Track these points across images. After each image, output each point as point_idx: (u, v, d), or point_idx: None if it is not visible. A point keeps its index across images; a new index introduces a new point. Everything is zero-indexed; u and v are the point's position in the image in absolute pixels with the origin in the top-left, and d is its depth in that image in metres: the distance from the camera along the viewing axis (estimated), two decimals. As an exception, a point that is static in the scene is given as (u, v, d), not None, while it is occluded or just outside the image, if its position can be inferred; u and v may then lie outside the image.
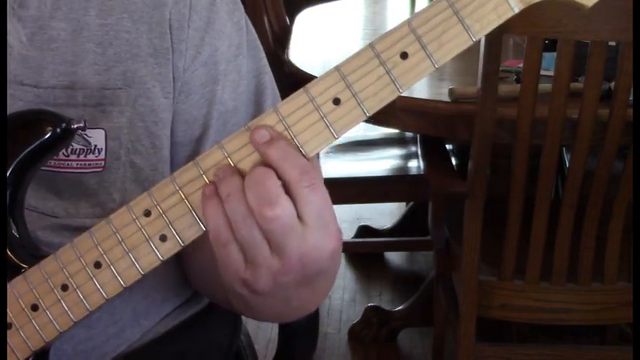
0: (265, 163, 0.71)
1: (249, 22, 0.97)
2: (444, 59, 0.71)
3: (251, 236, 0.70)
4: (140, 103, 0.89)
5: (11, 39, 0.86)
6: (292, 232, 0.70)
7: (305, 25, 2.63)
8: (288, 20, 2.72)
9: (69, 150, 0.87)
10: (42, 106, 0.86)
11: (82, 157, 0.87)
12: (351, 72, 0.71)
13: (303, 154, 0.72)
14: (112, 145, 0.88)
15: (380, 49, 0.71)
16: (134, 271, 0.76)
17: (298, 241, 0.71)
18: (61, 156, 0.87)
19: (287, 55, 2.19)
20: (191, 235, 0.75)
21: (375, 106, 0.72)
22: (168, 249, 0.75)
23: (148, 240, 0.75)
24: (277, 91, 0.98)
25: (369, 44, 0.71)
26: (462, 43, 0.71)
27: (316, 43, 2.51)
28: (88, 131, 0.86)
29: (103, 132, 0.87)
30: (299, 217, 0.70)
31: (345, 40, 2.52)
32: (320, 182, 0.71)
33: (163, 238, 0.75)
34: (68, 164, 0.87)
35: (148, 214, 0.74)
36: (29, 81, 0.86)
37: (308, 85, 0.72)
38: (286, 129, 0.72)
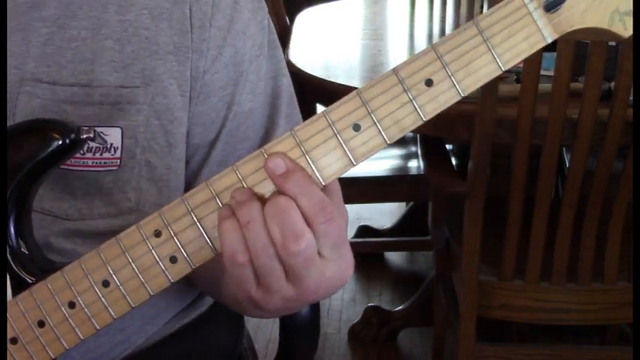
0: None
1: (271, 21, 0.95)
2: (471, 88, 0.69)
3: (270, 266, 0.69)
4: (157, 102, 0.88)
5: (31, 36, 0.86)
6: (313, 266, 0.69)
7: (305, 25, 2.63)
8: (288, 20, 2.72)
9: (85, 148, 0.85)
10: (59, 103, 0.85)
11: (97, 155, 0.86)
12: (373, 98, 0.68)
13: (319, 182, 0.70)
14: (128, 143, 0.87)
15: (404, 75, 0.68)
16: (143, 291, 0.74)
17: (317, 273, 0.70)
18: (76, 154, 0.86)
19: (287, 55, 2.19)
20: (202, 257, 0.73)
21: (396, 135, 0.69)
22: (179, 271, 0.73)
23: (158, 262, 0.73)
24: (294, 94, 0.96)
25: (393, 69, 0.68)
26: (490, 73, 0.68)
27: (316, 43, 2.50)
28: (104, 129, 0.85)
29: (119, 130, 0.86)
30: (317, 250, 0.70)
31: (345, 40, 2.52)
32: (337, 214, 0.69)
33: (174, 260, 0.73)
34: (84, 162, 0.86)
35: (158, 234, 0.73)
36: (48, 79, 0.86)
37: (328, 109, 0.69)
38: (304, 154, 0.69)
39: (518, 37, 0.67)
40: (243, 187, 0.70)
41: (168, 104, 0.88)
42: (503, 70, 0.68)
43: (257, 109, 0.93)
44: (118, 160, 0.87)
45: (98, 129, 0.81)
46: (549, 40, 0.68)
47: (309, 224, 0.68)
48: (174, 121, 0.89)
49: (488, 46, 0.67)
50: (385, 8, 2.97)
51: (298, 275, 0.69)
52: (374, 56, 2.35)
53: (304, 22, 2.67)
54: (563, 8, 0.67)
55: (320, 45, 2.47)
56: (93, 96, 0.86)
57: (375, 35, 2.61)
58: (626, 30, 0.68)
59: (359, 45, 2.51)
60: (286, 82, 0.96)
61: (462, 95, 0.68)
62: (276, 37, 0.96)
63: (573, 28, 0.68)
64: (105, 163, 0.87)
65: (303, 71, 2.04)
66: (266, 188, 0.70)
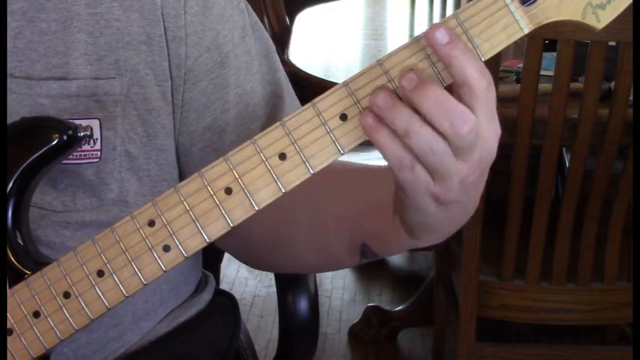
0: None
1: (248, 5, 0.97)
2: (452, 79, 0.70)
3: (444, 160, 0.68)
4: (133, 92, 0.88)
5: None
6: (477, 139, 0.68)
7: (305, 25, 2.63)
8: (288, 20, 2.72)
9: None
10: (35, 98, 0.86)
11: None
12: (360, 88, 0.71)
13: (309, 170, 0.72)
14: (107, 134, 0.87)
15: (388, 66, 0.70)
16: (136, 280, 0.76)
17: (480, 142, 0.69)
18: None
19: (287, 55, 2.19)
20: (195, 245, 0.74)
21: None
22: (172, 259, 0.75)
23: (150, 250, 0.75)
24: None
25: (378, 61, 0.70)
26: None
27: (316, 43, 2.51)
28: (82, 121, 0.85)
29: (97, 122, 0.87)
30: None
31: (345, 40, 2.52)
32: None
33: (167, 249, 0.75)
34: None
35: (151, 223, 0.74)
36: (21, 74, 0.86)
37: (315, 100, 0.72)
38: (292, 143, 0.72)
39: (497, 27, 0.70)
40: (380, 86, 0.70)
41: (145, 94, 0.89)
42: (483, 60, 0.70)
43: (257, 88, 0.94)
44: (98, 152, 0.88)
45: (77, 121, 0.82)
46: (526, 31, 0.70)
47: (471, 90, 0.67)
48: (152, 110, 0.89)
49: (467, 36, 0.69)
50: (385, 8, 2.97)
51: (467, 152, 0.68)
52: (374, 56, 2.34)
53: (304, 22, 2.67)
54: (539, 1, 0.70)
55: (320, 45, 2.47)
56: (69, 89, 0.86)
57: (375, 35, 2.61)
58: (599, 22, 0.71)
59: (359, 45, 2.51)
60: (278, 59, 0.98)
61: (445, 84, 0.70)
62: (257, 19, 0.97)
63: (549, 20, 0.70)
64: (85, 155, 0.87)
65: (303, 71, 2.04)
66: (256, 180, 0.72)
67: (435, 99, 0.67)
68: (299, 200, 0.77)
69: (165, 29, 0.88)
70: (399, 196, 0.74)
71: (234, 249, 1.00)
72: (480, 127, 0.69)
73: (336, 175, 0.82)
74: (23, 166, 0.80)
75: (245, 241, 0.94)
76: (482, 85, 0.68)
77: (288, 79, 0.98)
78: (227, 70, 0.91)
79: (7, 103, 0.85)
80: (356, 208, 0.85)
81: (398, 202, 0.76)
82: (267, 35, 0.98)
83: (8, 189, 0.80)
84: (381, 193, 0.82)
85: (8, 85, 0.86)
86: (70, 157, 0.86)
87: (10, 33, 0.86)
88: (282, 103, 0.95)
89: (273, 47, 0.98)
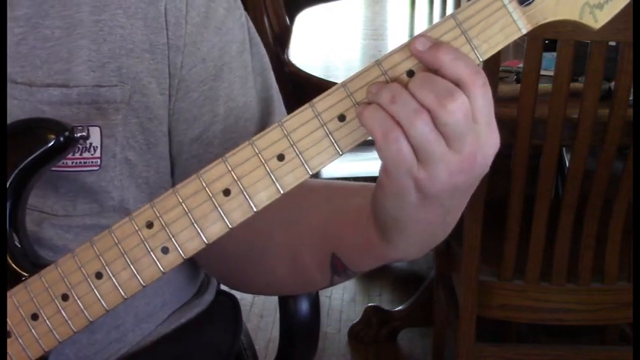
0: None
1: (249, 20, 0.97)
2: None
3: (427, 131, 0.67)
4: (135, 100, 0.88)
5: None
6: (469, 127, 0.68)
7: (305, 25, 2.63)
8: (288, 20, 2.72)
9: None
10: (36, 104, 0.85)
11: (77, 155, 0.86)
12: (358, 89, 0.71)
13: (308, 171, 0.72)
14: (108, 142, 0.87)
15: (387, 67, 0.70)
16: (135, 282, 0.76)
17: (474, 136, 0.69)
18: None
19: (287, 55, 2.19)
20: (194, 247, 0.74)
21: None
22: (170, 261, 0.75)
23: (149, 252, 0.75)
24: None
25: (376, 61, 0.71)
26: None
27: (316, 43, 2.50)
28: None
29: (98, 129, 0.87)
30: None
31: (345, 40, 2.52)
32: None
33: (165, 251, 0.75)
34: (64, 163, 0.86)
35: (150, 225, 0.74)
36: (23, 80, 0.86)
37: (313, 101, 0.71)
38: (291, 145, 0.72)
39: (495, 28, 0.70)
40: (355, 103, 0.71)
41: (147, 103, 0.88)
42: (481, 61, 0.70)
43: (251, 103, 0.94)
44: (98, 160, 0.87)
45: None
46: (524, 31, 0.70)
47: (464, 88, 0.67)
48: (154, 119, 0.89)
49: (466, 37, 0.70)
50: (385, 8, 2.97)
51: (457, 138, 0.68)
52: (374, 56, 2.34)
53: (304, 22, 2.66)
54: (536, 1, 0.70)
55: (320, 45, 2.47)
56: (70, 96, 0.86)
57: (375, 35, 2.61)
58: (596, 22, 0.71)
59: (359, 45, 2.51)
60: (273, 76, 0.97)
61: None
62: (256, 34, 0.97)
63: (547, 20, 0.71)
64: (85, 162, 0.87)
65: (303, 71, 2.04)
66: (255, 182, 0.72)
67: (427, 74, 0.68)
68: (275, 212, 0.76)
69: (167, 37, 0.88)
70: (381, 184, 0.73)
71: (209, 266, 1.00)
72: (480, 127, 0.69)
73: (311, 188, 0.82)
74: (20, 167, 0.79)
75: (221, 258, 0.93)
76: (478, 81, 0.68)
77: (280, 97, 0.97)
78: (220, 83, 0.91)
79: (8, 108, 0.85)
80: (328, 216, 0.85)
81: (379, 192, 0.74)
82: (264, 52, 0.97)
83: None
84: (354, 202, 0.82)
85: (10, 90, 0.85)
86: (70, 164, 0.86)
87: (13, 39, 0.86)
88: (272, 119, 0.94)
89: (269, 64, 0.97)
